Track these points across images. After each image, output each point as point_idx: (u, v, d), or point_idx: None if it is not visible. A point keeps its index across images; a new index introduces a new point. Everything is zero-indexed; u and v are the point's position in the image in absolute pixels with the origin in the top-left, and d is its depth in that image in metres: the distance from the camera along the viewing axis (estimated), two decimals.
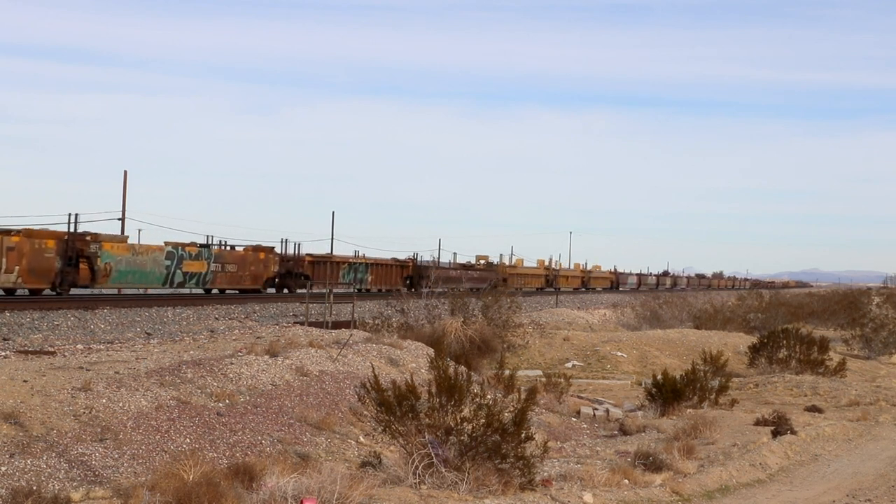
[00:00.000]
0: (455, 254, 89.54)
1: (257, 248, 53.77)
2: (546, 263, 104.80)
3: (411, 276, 69.19)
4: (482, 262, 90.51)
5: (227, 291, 51.18)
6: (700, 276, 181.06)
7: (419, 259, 74.98)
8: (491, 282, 74.04)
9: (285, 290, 54.92)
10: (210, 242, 50.94)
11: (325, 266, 59.76)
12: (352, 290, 56.98)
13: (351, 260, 65.36)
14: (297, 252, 57.74)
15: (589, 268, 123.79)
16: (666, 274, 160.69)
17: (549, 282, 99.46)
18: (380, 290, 64.69)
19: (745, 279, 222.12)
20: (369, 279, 65.89)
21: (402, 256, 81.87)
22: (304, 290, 49.84)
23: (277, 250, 55.57)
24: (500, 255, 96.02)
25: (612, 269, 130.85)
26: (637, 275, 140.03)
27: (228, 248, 52.52)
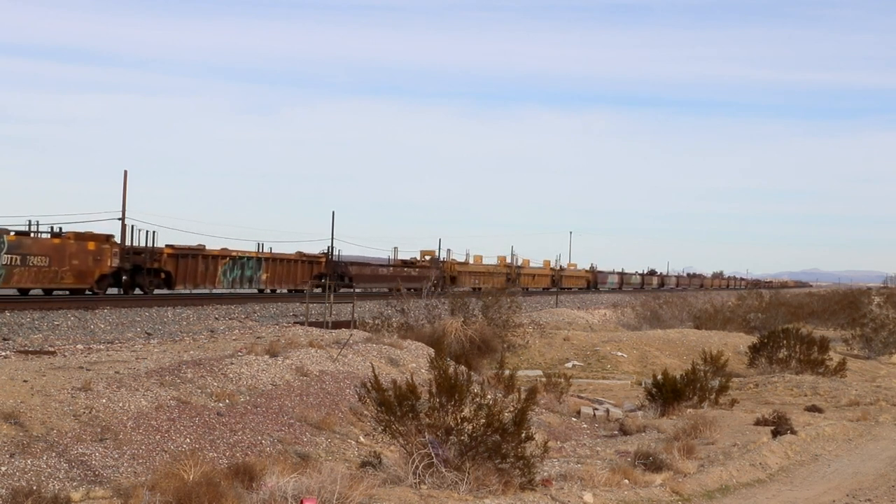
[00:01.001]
0: (396, 248, 79.43)
1: (83, 236, 41.78)
2: (507, 260, 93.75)
3: (324, 273, 55.74)
4: (427, 257, 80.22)
5: (33, 292, 39.44)
6: (692, 276, 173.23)
7: (337, 255, 65.54)
8: (434, 281, 66.17)
9: (137, 291, 45.02)
10: (31, 229, 40.58)
11: (194, 261, 49.05)
12: (236, 290, 49.92)
13: (234, 254, 52.57)
14: (151, 242, 46.11)
15: (561, 265, 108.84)
16: (653, 273, 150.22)
17: (512, 281, 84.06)
18: (274, 291, 55.68)
19: (742, 279, 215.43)
20: (263, 277, 54.48)
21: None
22: (160, 291, 44.17)
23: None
24: (448, 250, 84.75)
25: (590, 267, 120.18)
26: (618, 273, 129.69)
27: (38, 235, 40.65)
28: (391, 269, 71.46)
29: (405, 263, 75.68)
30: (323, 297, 35.33)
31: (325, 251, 63.51)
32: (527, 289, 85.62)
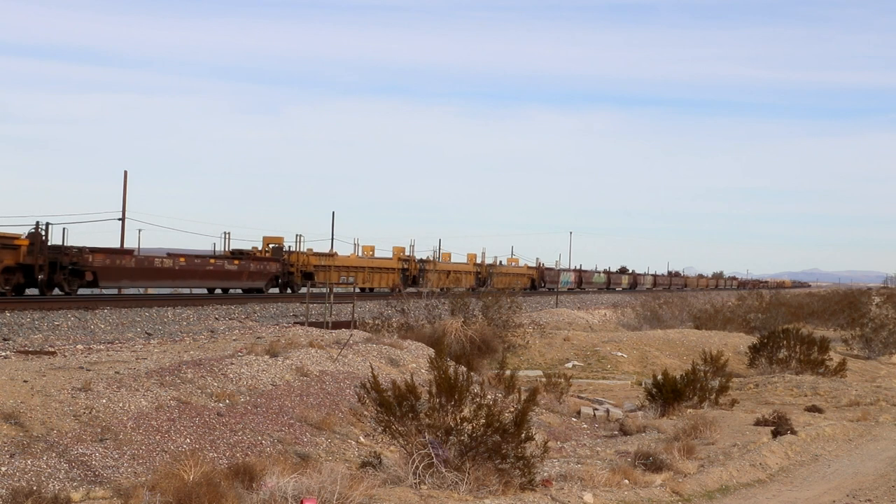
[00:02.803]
0: (227, 233, 59.24)
1: None
2: (406, 253, 74.37)
3: (24, 265, 39.16)
4: (272, 245, 59.37)
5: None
6: (674, 275, 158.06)
7: (62, 236, 42.46)
8: (273, 278, 54.64)
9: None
10: None
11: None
12: None
13: None
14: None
15: (491, 260, 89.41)
16: (623, 271, 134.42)
17: (415, 279, 67.35)
18: None
19: (734, 278, 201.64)
20: None
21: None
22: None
23: None
24: (298, 237, 60.56)
25: (537, 263, 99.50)
26: (576, 271, 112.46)
27: None
28: (200, 261, 50.71)
29: (236, 255, 55.71)
30: (323, 298, 35.31)
31: (35, 228, 40.17)
32: (444, 289, 72.66)
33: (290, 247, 58.99)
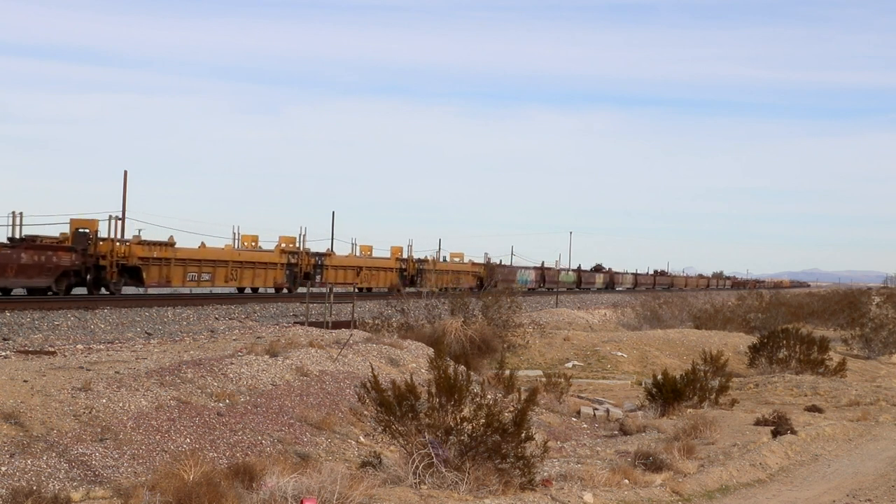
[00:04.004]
0: (17, 212, 40.36)
1: None
2: (294, 245, 57.64)
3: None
4: (79, 230, 42.31)
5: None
6: (660, 274, 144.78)
7: None
8: (66, 273, 39.91)
9: None
10: None
11: None
12: None
13: None
14: None
15: (425, 255, 75.80)
16: (598, 269, 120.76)
17: (308, 276, 55.86)
18: None
19: (727, 278, 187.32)
20: None
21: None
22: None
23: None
24: (111, 217, 44.21)
25: (486, 259, 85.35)
26: (538, 269, 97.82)
27: None
28: None
29: (15, 243, 39.02)
30: (323, 297, 35.34)
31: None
32: (370, 289, 63.07)
33: (104, 233, 42.75)
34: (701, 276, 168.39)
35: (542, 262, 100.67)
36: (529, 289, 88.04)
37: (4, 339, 22.26)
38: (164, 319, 30.57)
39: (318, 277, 55.94)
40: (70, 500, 10.27)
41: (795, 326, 39.75)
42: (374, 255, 70.22)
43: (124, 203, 48.95)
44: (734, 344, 38.75)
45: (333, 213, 76.70)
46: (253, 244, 55.10)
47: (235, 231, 55.18)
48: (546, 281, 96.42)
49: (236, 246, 54.19)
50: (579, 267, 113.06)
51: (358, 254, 67.58)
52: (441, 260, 78.45)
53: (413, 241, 70.48)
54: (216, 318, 32.47)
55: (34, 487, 10.60)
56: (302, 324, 29.04)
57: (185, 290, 47.65)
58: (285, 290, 53.71)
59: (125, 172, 50.56)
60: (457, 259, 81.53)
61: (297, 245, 56.96)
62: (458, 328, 27.92)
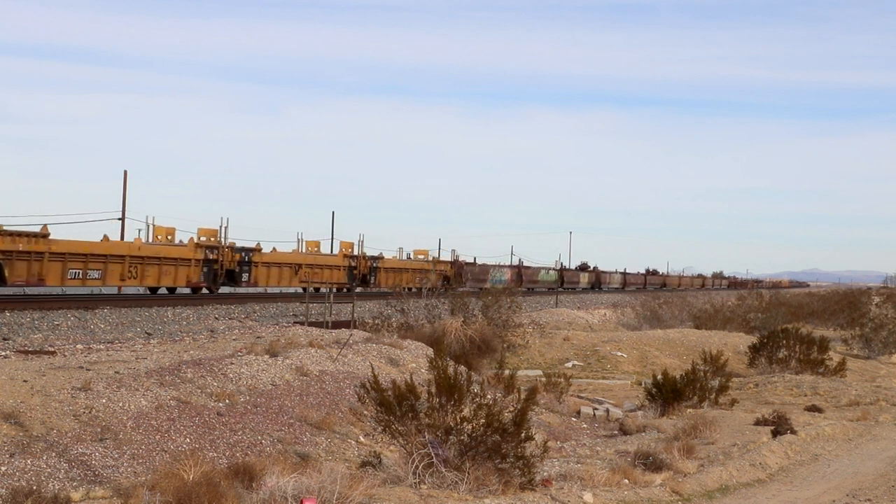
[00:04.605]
0: None
1: None
2: (215, 238, 49.03)
3: None
4: None
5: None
6: (651, 273, 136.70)
7: None
8: None
9: None
10: None
11: None
12: None
13: None
14: None
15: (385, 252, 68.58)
16: (584, 268, 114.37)
17: (232, 274, 50.01)
18: None
19: (724, 277, 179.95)
20: None
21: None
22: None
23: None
24: None
25: (453, 256, 78.23)
26: (514, 267, 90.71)
27: None
28: None
29: None
30: (323, 297, 35.32)
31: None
32: (317, 289, 53.82)
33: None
34: (695, 276, 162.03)
35: (520, 260, 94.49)
36: (504, 289, 77.34)
37: (4, 339, 22.26)
38: (164, 319, 30.56)
39: (245, 276, 50.51)
40: (70, 500, 10.27)
41: (795, 326, 39.76)
42: (322, 251, 63.06)
43: (124, 203, 48.98)
44: (734, 344, 38.75)
45: (333, 213, 76.62)
46: (169, 238, 47.74)
47: (149, 222, 48.25)
48: (524, 280, 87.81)
49: (149, 239, 47.87)
50: (562, 265, 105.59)
51: (304, 250, 59.09)
52: (406, 257, 72.13)
53: (364, 235, 62.56)
54: (216, 318, 32.46)
55: (34, 487, 10.60)
56: (302, 324, 29.03)
57: (185, 291, 47.46)
58: (204, 291, 47.15)
59: (125, 172, 50.61)
60: (421, 256, 74.50)
61: (219, 238, 48.64)
62: (458, 328, 27.93)
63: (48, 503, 10.01)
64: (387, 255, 67.68)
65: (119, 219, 48.62)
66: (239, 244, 50.06)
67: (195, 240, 47.71)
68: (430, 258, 74.13)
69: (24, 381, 14.23)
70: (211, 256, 47.69)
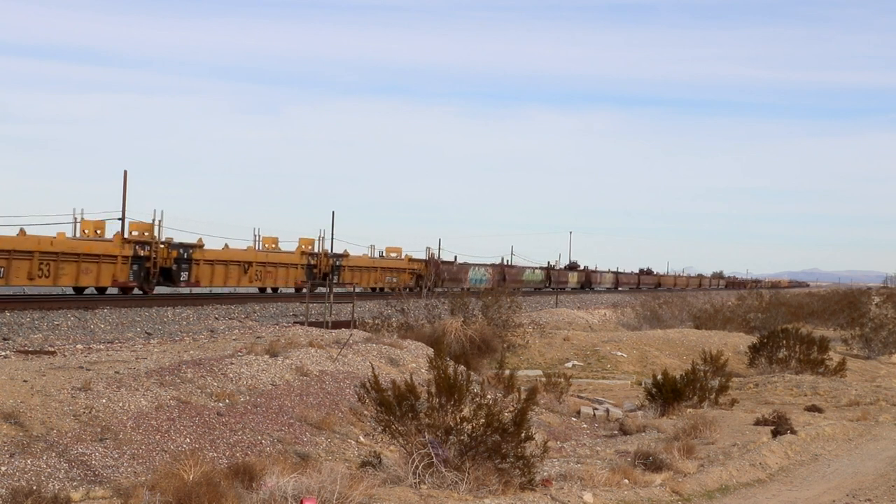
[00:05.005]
0: None
1: None
2: (150, 234, 45.75)
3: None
4: None
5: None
6: (645, 273, 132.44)
7: None
8: None
9: None
10: None
11: None
12: None
13: None
14: None
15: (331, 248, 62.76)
16: (573, 267, 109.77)
17: (167, 273, 46.36)
18: None
19: (721, 277, 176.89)
20: None
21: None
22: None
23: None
24: None
25: (428, 255, 73.04)
26: (496, 266, 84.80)
27: None
28: None
29: None
30: (323, 297, 35.31)
31: None
32: (275, 289, 51.91)
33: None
34: (691, 276, 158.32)
35: (503, 259, 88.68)
36: (486, 289, 70.22)
37: (4, 339, 22.26)
38: (164, 319, 30.56)
39: (183, 275, 46.96)
40: (70, 500, 10.27)
41: (795, 326, 39.76)
42: (281, 248, 56.62)
43: (124, 203, 48.90)
44: (734, 344, 38.75)
45: (333, 213, 76.50)
46: (98, 232, 43.95)
47: (76, 216, 44.01)
48: (507, 280, 79.13)
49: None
50: (548, 264, 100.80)
51: (260, 247, 53.87)
52: (378, 255, 67.93)
53: (324, 231, 59.58)
54: (216, 318, 32.46)
55: (34, 487, 10.60)
56: (302, 324, 29.02)
57: (184, 291, 47.47)
58: (136, 291, 44.30)
59: (125, 172, 50.51)
60: (394, 254, 69.98)
61: (154, 233, 45.49)
62: (458, 328, 27.93)
63: (48, 503, 10.01)
64: (357, 253, 63.72)
65: (119, 219, 48.58)
66: (178, 240, 46.79)
67: (126, 234, 44.46)
68: (404, 256, 70.32)
69: (24, 381, 14.23)
70: (142, 253, 44.26)
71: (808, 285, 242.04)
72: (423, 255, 72.83)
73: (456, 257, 78.52)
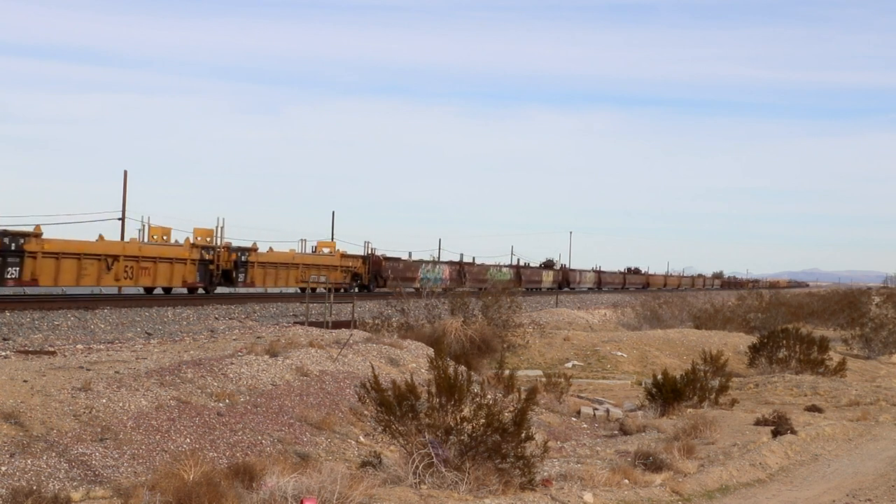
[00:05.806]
0: None
1: None
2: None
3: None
4: None
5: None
6: (632, 272, 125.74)
7: None
8: None
9: None
10: None
11: None
12: None
13: None
14: None
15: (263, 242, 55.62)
16: (548, 265, 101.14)
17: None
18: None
19: (718, 277, 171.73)
20: None
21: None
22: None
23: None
24: None
25: (368, 250, 63.79)
26: (455, 264, 77.19)
27: None
28: None
29: None
30: (324, 297, 35.31)
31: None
32: (168, 289, 45.76)
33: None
34: (683, 276, 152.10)
35: (461, 256, 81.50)
36: (444, 289, 57.98)
37: (4, 339, 22.26)
38: (164, 319, 30.56)
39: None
40: (70, 500, 10.26)
41: (795, 326, 39.76)
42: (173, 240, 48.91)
43: (124, 203, 48.95)
44: (734, 344, 38.75)
45: (333, 212, 76.43)
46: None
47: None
48: (468, 279, 71.55)
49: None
50: (518, 262, 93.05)
51: (145, 239, 46.49)
52: (311, 251, 60.91)
53: (225, 219, 55.74)
54: (216, 318, 32.46)
55: (34, 487, 10.60)
56: (302, 324, 29.03)
57: (182, 291, 47.44)
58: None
59: (125, 172, 50.56)
60: (326, 250, 62.19)
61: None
62: (458, 328, 27.93)
63: (48, 503, 10.01)
64: (280, 248, 56.08)
65: (119, 219, 48.63)
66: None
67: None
68: (336, 252, 62.34)
69: (25, 381, 14.23)
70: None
71: (807, 285, 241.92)
72: (340, 249, 63.90)
73: (411, 254, 73.06)
